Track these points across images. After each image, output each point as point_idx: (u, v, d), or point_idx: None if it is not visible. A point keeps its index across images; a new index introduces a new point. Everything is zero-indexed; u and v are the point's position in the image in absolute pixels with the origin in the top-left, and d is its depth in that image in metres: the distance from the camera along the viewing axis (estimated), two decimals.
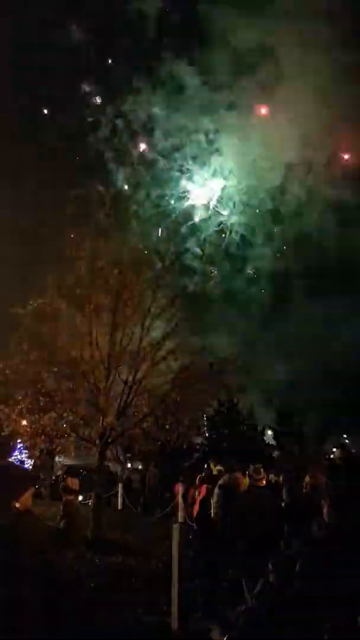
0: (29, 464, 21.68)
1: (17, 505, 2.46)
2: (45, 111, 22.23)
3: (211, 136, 23.53)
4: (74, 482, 8.97)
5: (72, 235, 10.23)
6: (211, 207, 24.57)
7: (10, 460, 17.72)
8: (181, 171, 24.38)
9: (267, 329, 30.59)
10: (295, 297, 27.28)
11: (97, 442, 9.75)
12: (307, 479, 5.55)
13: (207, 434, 26.58)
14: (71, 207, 11.03)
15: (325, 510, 3.18)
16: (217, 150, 23.52)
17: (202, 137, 23.50)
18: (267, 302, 26.78)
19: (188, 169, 24.39)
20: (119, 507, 15.88)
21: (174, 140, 23.38)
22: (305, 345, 29.21)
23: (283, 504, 5.88)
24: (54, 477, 18.26)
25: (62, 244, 10.24)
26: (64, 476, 9.77)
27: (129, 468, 21.82)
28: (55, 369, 9.64)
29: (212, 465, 9.44)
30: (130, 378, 9.83)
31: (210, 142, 23.75)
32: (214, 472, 8.62)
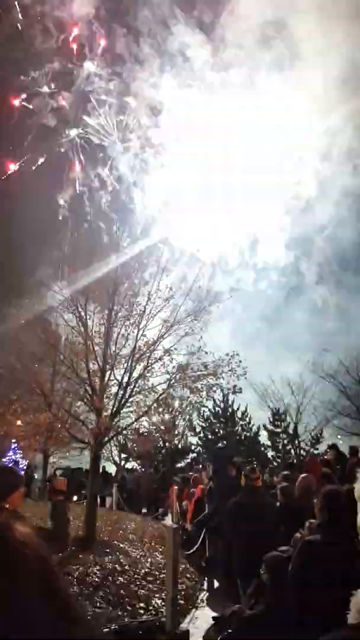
0: (23, 464, 21.65)
1: (6, 505, 2.47)
2: (47, 89, 20.90)
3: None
4: (61, 483, 8.95)
5: (68, 235, 10.20)
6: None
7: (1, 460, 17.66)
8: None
9: (266, 327, 30.29)
10: (296, 295, 26.57)
11: (92, 442, 9.73)
12: (299, 479, 5.58)
13: (202, 434, 26.64)
14: (70, 190, 10.75)
15: (317, 510, 3.20)
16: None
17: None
18: (269, 299, 25.91)
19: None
20: (114, 507, 15.88)
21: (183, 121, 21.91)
22: (303, 343, 29.01)
23: (277, 504, 5.90)
24: (47, 477, 18.24)
25: (58, 242, 10.20)
26: (53, 477, 9.73)
27: (123, 468, 21.81)
28: (51, 369, 9.63)
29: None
30: (126, 378, 9.83)
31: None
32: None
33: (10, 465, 19.43)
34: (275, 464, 23.71)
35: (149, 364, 9.79)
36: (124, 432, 11.04)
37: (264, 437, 27.51)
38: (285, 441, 26.77)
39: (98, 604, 5.67)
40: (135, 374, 9.77)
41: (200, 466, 11.74)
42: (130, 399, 9.76)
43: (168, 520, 11.65)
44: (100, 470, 12.40)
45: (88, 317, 9.76)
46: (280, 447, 26.74)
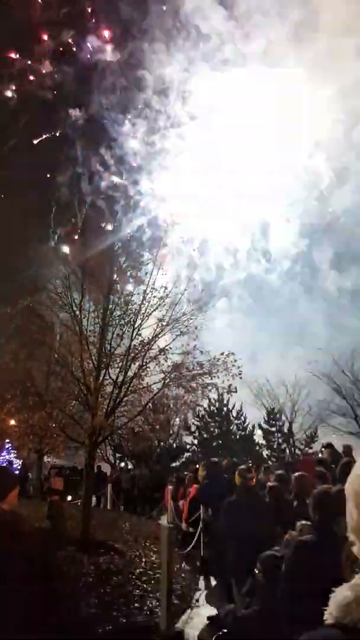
0: (17, 463, 21.57)
1: (3, 506, 2.45)
2: (44, 71, 19.84)
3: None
4: (58, 482, 8.95)
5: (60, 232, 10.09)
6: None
7: None
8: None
9: (270, 320, 30.07)
10: (306, 287, 25.98)
11: (87, 441, 9.70)
12: (293, 478, 5.58)
13: (197, 434, 26.65)
14: (64, 176, 10.32)
15: (310, 509, 3.20)
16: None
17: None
18: (278, 290, 25.36)
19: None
20: (108, 507, 15.85)
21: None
22: (307, 339, 28.76)
23: (267, 500, 5.90)
24: (42, 477, 18.18)
25: (51, 240, 10.10)
26: (48, 476, 9.70)
27: (118, 468, 21.78)
28: (45, 368, 9.57)
29: (200, 468, 9.45)
30: (121, 377, 9.79)
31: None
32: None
33: (4, 465, 19.37)
34: (270, 463, 23.76)
35: (144, 363, 9.77)
36: (119, 431, 11.01)
37: (258, 436, 27.59)
38: (280, 440, 26.85)
39: (92, 604, 5.65)
40: (130, 373, 9.75)
41: (197, 466, 11.73)
42: (125, 398, 9.73)
43: (163, 520, 11.65)
44: (95, 470, 12.36)
45: (83, 315, 9.72)
46: (275, 446, 26.82)
